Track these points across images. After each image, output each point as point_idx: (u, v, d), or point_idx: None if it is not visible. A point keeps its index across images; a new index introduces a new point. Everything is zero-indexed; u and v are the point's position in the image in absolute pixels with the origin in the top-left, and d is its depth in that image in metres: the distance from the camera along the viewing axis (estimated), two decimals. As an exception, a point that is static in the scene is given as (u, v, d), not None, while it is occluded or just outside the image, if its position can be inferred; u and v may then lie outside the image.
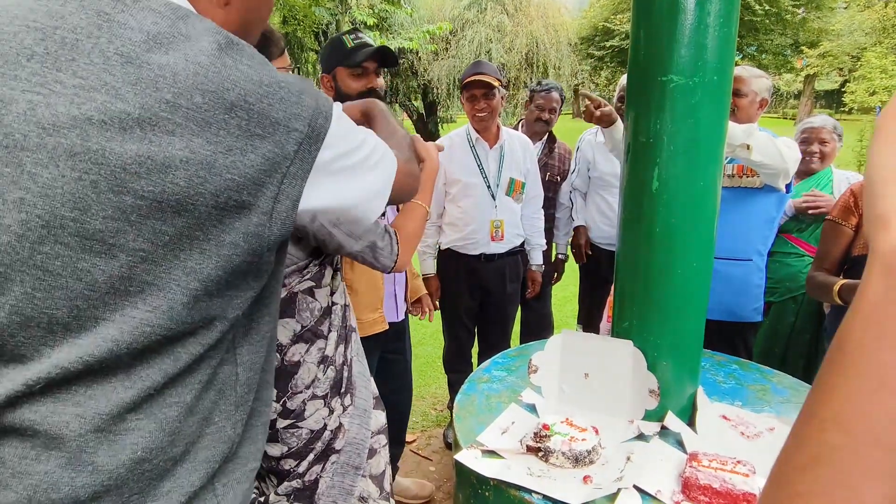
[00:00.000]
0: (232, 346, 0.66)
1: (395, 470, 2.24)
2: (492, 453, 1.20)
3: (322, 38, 14.05)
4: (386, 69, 1.85)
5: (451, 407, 2.97)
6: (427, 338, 3.94)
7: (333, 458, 1.22)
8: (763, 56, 21.53)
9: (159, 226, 0.53)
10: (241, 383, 0.67)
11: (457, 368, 2.78)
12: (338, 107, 0.69)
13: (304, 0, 11.70)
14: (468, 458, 1.18)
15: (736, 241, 2.12)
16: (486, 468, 1.14)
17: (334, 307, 1.25)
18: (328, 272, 1.24)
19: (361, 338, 1.79)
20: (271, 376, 0.80)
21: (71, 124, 0.51)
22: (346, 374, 1.27)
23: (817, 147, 2.46)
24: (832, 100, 27.66)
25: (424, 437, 2.84)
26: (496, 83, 2.42)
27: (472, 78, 2.41)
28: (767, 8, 19.21)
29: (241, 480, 0.69)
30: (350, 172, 0.69)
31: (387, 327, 1.90)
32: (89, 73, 0.52)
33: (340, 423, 1.24)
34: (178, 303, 0.56)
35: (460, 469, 1.20)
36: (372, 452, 1.31)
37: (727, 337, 2.16)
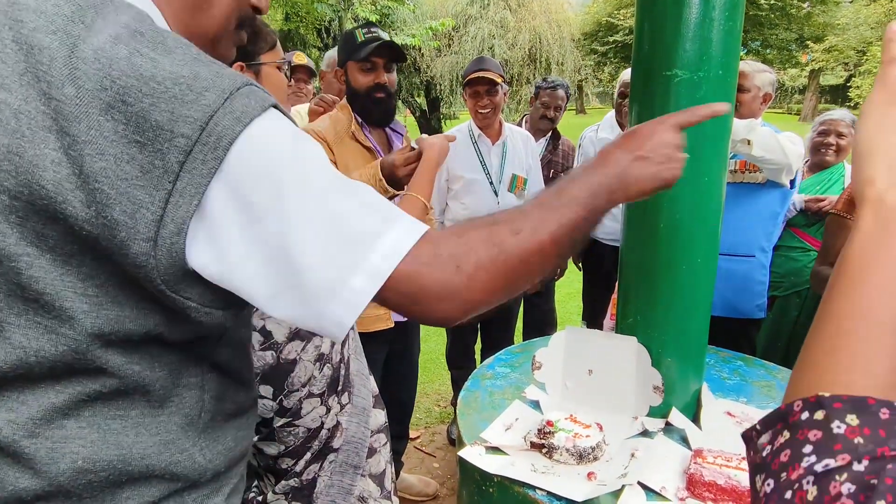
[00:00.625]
0: (198, 372, 0.61)
1: (399, 466, 2.25)
2: (496, 450, 1.20)
3: (325, 35, 14.03)
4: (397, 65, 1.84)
5: (454, 403, 2.98)
6: (431, 334, 3.94)
7: (332, 456, 1.22)
8: (767, 51, 21.42)
9: (39, 229, 0.49)
10: (206, 410, 0.62)
11: (460, 365, 2.79)
12: (278, 120, 0.54)
13: (306, -3, 11.69)
14: (472, 454, 1.18)
15: (739, 237, 2.11)
16: (490, 464, 1.14)
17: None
18: None
19: (366, 334, 1.80)
20: (250, 381, 0.75)
21: None
22: (343, 372, 1.26)
23: (834, 139, 2.44)
24: (837, 95, 27.50)
25: (428, 434, 2.85)
26: (499, 79, 2.41)
27: (475, 74, 2.40)
28: (773, 2, 19.10)
29: (211, 495, 0.65)
30: (276, 210, 0.51)
31: (391, 325, 1.90)
32: None
33: (338, 422, 1.23)
34: (80, 311, 0.51)
35: (464, 465, 1.20)
36: (372, 451, 1.31)
37: (730, 334, 2.15)
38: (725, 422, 1.31)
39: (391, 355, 2.05)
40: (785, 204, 2.20)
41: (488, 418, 1.32)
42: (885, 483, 0.34)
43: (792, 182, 2.10)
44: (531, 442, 1.20)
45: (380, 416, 1.36)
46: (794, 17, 20.66)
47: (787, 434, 0.40)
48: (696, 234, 1.23)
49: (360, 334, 1.81)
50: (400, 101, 15.55)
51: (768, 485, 0.40)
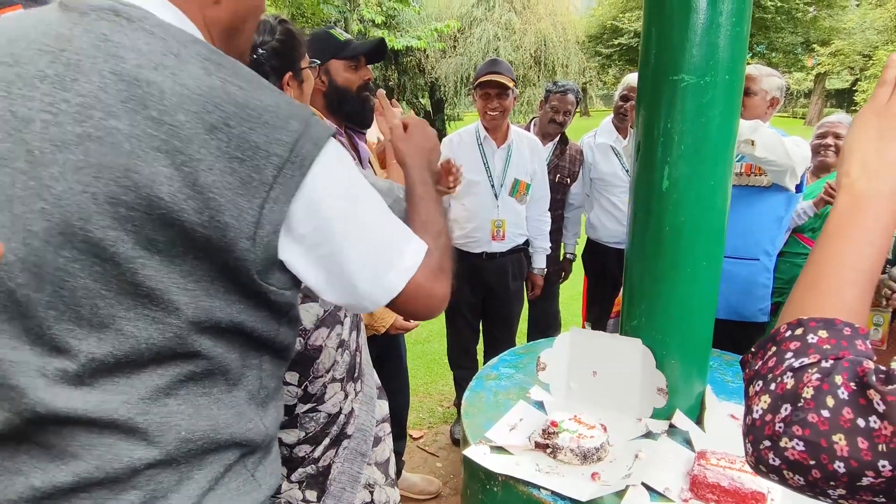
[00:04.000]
0: (257, 355, 0.71)
1: (400, 465, 2.25)
2: (500, 449, 1.21)
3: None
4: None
5: (457, 404, 2.98)
6: (434, 335, 3.95)
7: (345, 443, 1.24)
8: (773, 54, 21.37)
9: (152, 235, 0.57)
10: (264, 386, 0.73)
11: (461, 365, 2.79)
12: (339, 146, 0.67)
13: (312, -3, 11.72)
14: (477, 453, 1.19)
15: (743, 240, 2.11)
16: (495, 464, 1.15)
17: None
18: None
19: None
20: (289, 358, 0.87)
21: (76, 141, 0.56)
22: (358, 359, 1.29)
23: (832, 140, 2.45)
24: (843, 99, 27.41)
25: (431, 434, 2.85)
26: (511, 84, 2.41)
27: (488, 77, 2.40)
28: (778, 5, 19.05)
29: (266, 453, 0.76)
30: (339, 218, 0.66)
31: (381, 332, 1.92)
32: (88, 91, 0.56)
33: (352, 408, 1.26)
34: (182, 303, 0.60)
35: (469, 465, 1.21)
36: (377, 440, 1.33)
37: (733, 337, 2.15)
38: (729, 424, 1.31)
39: (380, 359, 2.07)
40: (790, 208, 2.19)
41: (493, 418, 1.33)
42: (842, 365, 0.47)
43: (798, 187, 2.10)
44: (535, 442, 1.21)
45: (383, 406, 1.38)
46: (800, 21, 20.61)
47: (773, 349, 0.53)
48: (700, 236, 1.24)
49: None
50: (404, 102, 15.58)
51: (758, 385, 0.52)
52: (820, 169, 2.52)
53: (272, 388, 0.76)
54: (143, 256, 0.58)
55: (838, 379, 0.46)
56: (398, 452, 2.21)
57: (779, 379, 0.50)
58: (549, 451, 1.19)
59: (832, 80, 25.38)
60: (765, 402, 0.50)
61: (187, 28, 0.65)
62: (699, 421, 1.31)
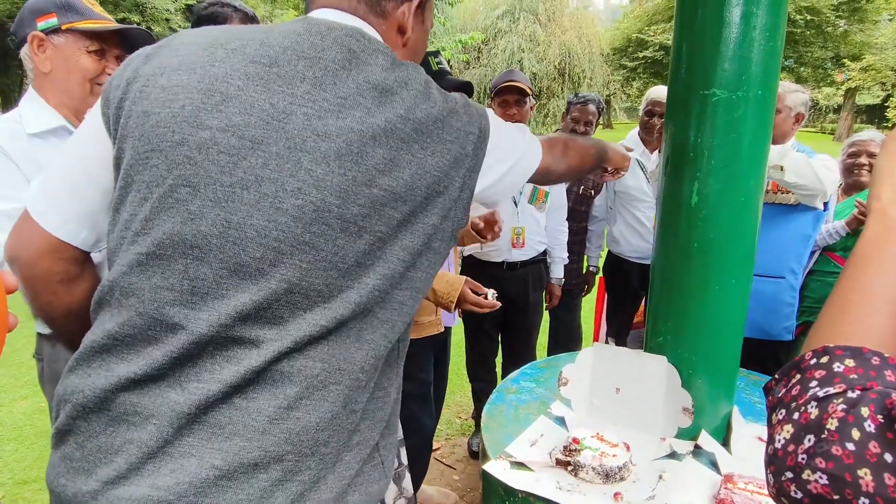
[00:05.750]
0: (396, 334, 0.78)
1: (420, 478, 2.23)
2: (520, 465, 1.19)
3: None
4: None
5: (475, 416, 2.96)
6: (453, 346, 3.92)
7: None
8: (802, 69, 21.04)
9: (391, 212, 0.69)
10: (399, 355, 0.82)
11: (480, 377, 2.77)
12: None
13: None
14: (497, 468, 1.17)
15: (769, 257, 2.07)
16: (515, 480, 1.13)
17: None
18: None
19: (418, 340, 1.84)
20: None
21: (338, 133, 0.66)
22: None
23: (866, 159, 2.40)
24: (874, 115, 26.83)
25: (449, 446, 2.83)
26: (528, 91, 2.42)
27: (507, 83, 2.41)
28: (808, 19, 18.78)
29: (393, 444, 0.82)
30: (504, 157, 0.84)
31: (442, 329, 1.96)
32: (348, 94, 0.68)
33: None
34: (396, 272, 0.71)
35: (488, 480, 1.19)
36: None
37: (756, 355, 2.10)
38: (757, 447, 1.27)
39: (436, 359, 2.09)
40: (817, 226, 2.15)
41: (513, 433, 1.31)
42: (869, 397, 0.45)
43: (826, 204, 2.05)
44: (556, 459, 1.19)
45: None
46: (830, 35, 20.27)
47: (798, 376, 0.52)
48: (730, 254, 1.21)
49: (413, 341, 1.84)
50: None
51: (780, 413, 0.51)
52: (852, 187, 2.46)
53: (400, 364, 0.83)
54: (382, 231, 0.68)
55: (865, 411, 0.44)
56: (423, 463, 2.18)
57: (802, 408, 0.48)
58: (570, 468, 1.17)
59: (863, 95, 24.86)
60: (787, 431, 0.48)
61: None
62: (725, 443, 1.27)
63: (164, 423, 0.64)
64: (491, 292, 1.71)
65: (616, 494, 1.10)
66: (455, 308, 1.68)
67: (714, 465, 1.20)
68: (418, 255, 0.73)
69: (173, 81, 0.67)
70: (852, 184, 2.45)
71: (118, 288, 0.68)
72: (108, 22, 1.38)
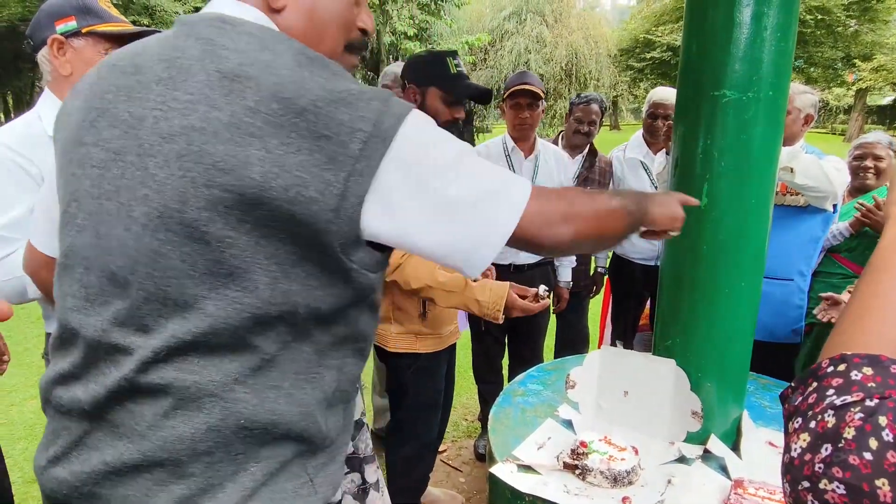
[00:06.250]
0: (338, 355, 0.74)
1: (426, 480, 2.23)
2: (527, 468, 1.19)
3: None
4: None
5: (481, 418, 2.95)
6: (459, 348, 3.92)
7: None
8: (812, 69, 20.88)
9: (241, 216, 0.62)
10: (339, 389, 0.75)
11: (487, 379, 2.76)
12: (421, 116, 0.69)
13: (346, 10, 11.93)
14: (504, 471, 1.17)
15: (778, 259, 2.05)
16: (522, 483, 1.13)
17: None
18: None
19: (439, 351, 1.84)
20: (358, 381, 0.87)
21: (180, 132, 0.62)
22: None
23: (871, 162, 2.38)
24: (885, 115, 26.58)
25: (455, 448, 2.83)
26: (541, 94, 2.42)
27: (520, 87, 2.41)
28: (819, 19, 18.64)
29: (328, 463, 0.77)
30: (425, 184, 0.66)
31: (459, 335, 1.97)
32: (196, 89, 0.63)
33: None
34: (262, 283, 0.64)
35: (495, 482, 1.19)
36: None
37: (765, 358, 2.09)
38: (767, 452, 1.26)
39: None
40: (826, 228, 2.13)
41: (520, 435, 1.30)
42: (887, 406, 0.44)
43: (834, 206, 2.04)
44: (564, 462, 1.19)
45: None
46: (841, 35, 20.10)
47: (814, 384, 0.51)
48: (741, 256, 1.20)
49: (432, 354, 1.83)
50: (434, 114, 15.67)
51: (797, 422, 0.50)
52: (858, 190, 2.44)
53: (345, 392, 0.77)
54: (232, 237, 0.62)
55: (883, 420, 0.44)
56: (428, 465, 2.17)
57: (819, 417, 0.48)
58: (577, 472, 1.16)
59: (874, 95, 24.64)
60: (804, 440, 0.48)
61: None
62: (735, 447, 1.26)
63: (82, 418, 0.69)
64: (542, 288, 1.59)
65: (624, 499, 1.09)
66: (503, 317, 1.59)
67: (724, 469, 1.19)
68: (291, 266, 0.64)
69: (72, 105, 0.73)
70: (858, 186, 2.43)
71: (55, 296, 0.75)
72: (126, 25, 1.38)
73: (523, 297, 1.59)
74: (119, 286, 0.66)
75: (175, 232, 0.63)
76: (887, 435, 0.43)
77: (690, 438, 1.27)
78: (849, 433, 0.44)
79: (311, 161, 0.61)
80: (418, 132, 0.67)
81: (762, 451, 1.26)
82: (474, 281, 1.63)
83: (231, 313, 0.63)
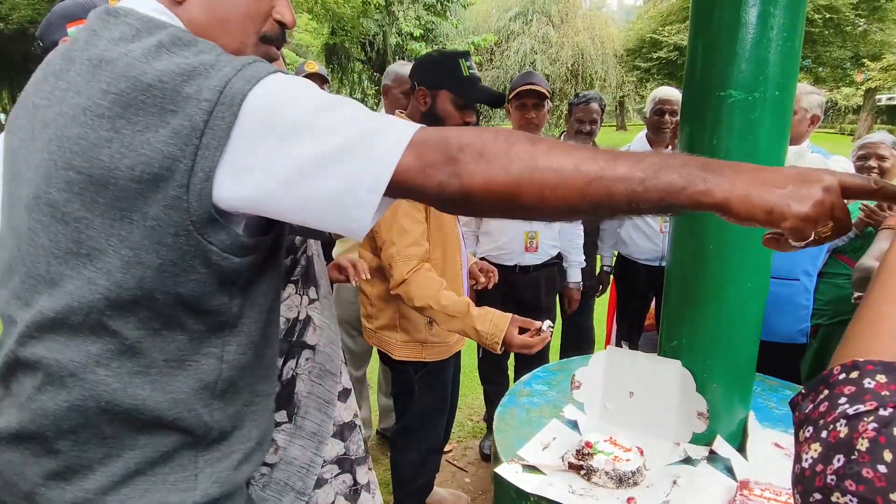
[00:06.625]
0: (219, 342, 0.72)
1: (431, 483, 2.23)
2: (532, 468, 1.19)
3: (369, 49, 14.31)
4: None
5: (487, 419, 2.95)
6: (464, 348, 3.92)
7: (263, 469, 1.20)
8: (820, 69, 20.74)
9: (94, 197, 0.63)
10: (224, 379, 0.74)
11: (492, 380, 2.76)
12: (282, 77, 0.65)
13: (352, 11, 11.97)
14: (508, 471, 1.17)
15: (783, 259, 2.04)
16: (527, 483, 1.13)
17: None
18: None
19: (443, 361, 1.84)
20: (271, 371, 0.86)
21: (53, 119, 0.65)
22: (292, 389, 1.24)
23: (875, 162, 2.37)
24: (894, 115, 26.37)
25: (460, 448, 2.83)
26: (547, 95, 2.42)
27: (526, 87, 2.40)
28: (827, 18, 18.51)
29: (222, 459, 0.76)
30: (279, 146, 0.61)
31: (464, 345, 1.95)
32: (70, 77, 0.66)
33: (273, 438, 1.21)
34: (115, 266, 0.64)
35: (500, 482, 1.19)
36: (320, 482, 1.27)
37: (771, 358, 2.08)
38: (773, 453, 1.26)
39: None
40: None
41: (525, 436, 1.30)
42: None
43: None
44: (569, 462, 1.19)
45: (336, 447, 1.32)
46: (850, 35, 19.94)
47: (826, 392, 0.49)
48: (747, 256, 1.20)
49: (440, 361, 1.82)
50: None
51: (808, 431, 0.48)
52: None
53: (237, 384, 0.76)
54: (88, 218, 0.63)
55: None
56: (434, 465, 2.16)
57: (831, 426, 0.46)
58: (582, 472, 1.16)
59: (882, 95, 24.44)
60: (815, 450, 0.46)
61: (174, 23, 0.71)
62: (741, 448, 1.26)
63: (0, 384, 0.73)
64: (546, 324, 1.53)
65: (629, 499, 1.09)
66: (501, 349, 1.55)
67: (729, 471, 1.18)
68: (144, 252, 0.63)
69: (18, 104, 0.77)
70: None
71: None
72: None
73: (526, 329, 1.55)
74: (18, 262, 0.70)
75: (43, 212, 0.66)
76: None
77: (696, 439, 1.27)
78: (862, 444, 0.43)
79: (156, 138, 0.61)
80: (271, 94, 0.63)
81: (768, 452, 1.26)
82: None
83: (86, 293, 0.65)
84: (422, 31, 12.99)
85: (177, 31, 0.67)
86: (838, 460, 0.44)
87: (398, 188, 0.62)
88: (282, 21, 0.79)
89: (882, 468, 0.42)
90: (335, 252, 2.50)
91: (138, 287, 0.65)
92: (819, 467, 0.45)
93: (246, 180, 0.62)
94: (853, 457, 0.43)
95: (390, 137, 0.62)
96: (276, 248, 0.77)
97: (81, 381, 0.66)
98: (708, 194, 0.59)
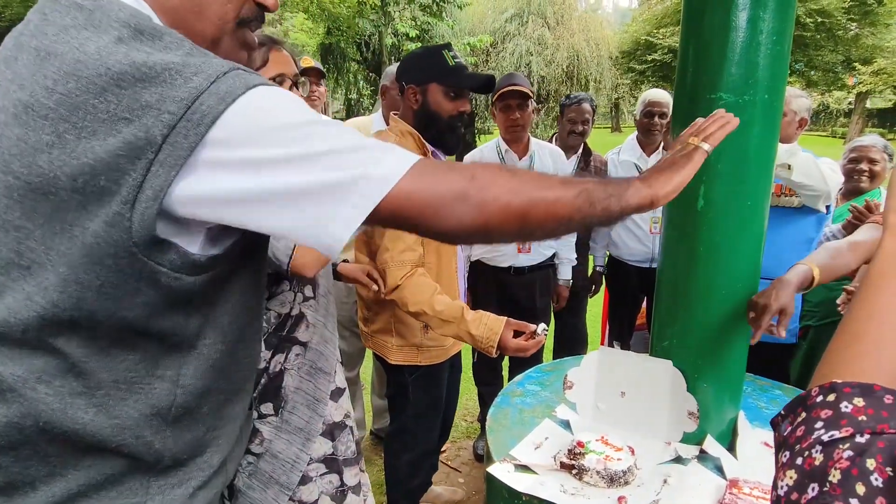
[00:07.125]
0: (173, 364, 0.67)
1: (428, 485, 2.23)
2: (524, 468, 1.19)
3: (364, 49, 14.30)
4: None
5: (481, 419, 2.96)
6: (464, 349, 3.93)
7: (249, 458, 1.20)
8: (812, 72, 20.91)
9: (34, 206, 0.57)
10: (178, 405, 0.68)
11: (487, 381, 2.77)
12: (267, 92, 0.60)
13: (348, 11, 11.96)
14: (501, 471, 1.17)
15: (773, 260, 2.05)
16: (519, 483, 1.13)
17: (267, 313, 1.23)
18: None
19: (439, 364, 1.82)
20: (242, 396, 0.80)
21: None
22: (280, 382, 1.24)
23: (866, 166, 2.39)
24: (886, 119, 26.59)
25: (454, 449, 2.83)
26: (530, 94, 2.42)
27: (508, 88, 2.41)
28: (819, 22, 18.65)
29: (176, 486, 0.71)
30: (261, 169, 0.57)
31: (462, 345, 1.93)
32: (17, 68, 0.58)
33: (258, 429, 1.22)
34: (51, 284, 0.58)
35: (492, 482, 1.20)
36: (306, 479, 1.27)
37: (760, 358, 2.09)
38: (763, 452, 1.27)
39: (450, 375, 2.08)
40: (820, 229, 2.15)
41: (517, 436, 1.31)
42: (877, 446, 0.40)
43: (828, 207, 2.06)
44: (561, 462, 1.20)
45: (325, 446, 1.32)
46: (841, 39, 20.11)
47: (803, 415, 0.47)
48: (737, 257, 1.21)
49: (435, 366, 1.81)
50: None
51: (785, 456, 0.47)
52: (852, 192, 2.45)
53: (196, 411, 0.70)
54: (28, 228, 0.57)
55: (871, 463, 0.40)
56: (431, 466, 2.16)
57: (806, 453, 0.44)
58: (574, 472, 1.17)
59: (874, 99, 24.66)
60: (791, 477, 0.45)
61: (142, 10, 0.63)
62: (731, 448, 1.27)
63: None
64: (541, 327, 1.52)
65: (620, 498, 1.10)
66: (496, 353, 1.54)
67: (719, 470, 1.19)
68: (83, 271, 0.57)
69: None
70: (852, 189, 2.44)
71: None
72: None
73: (521, 332, 1.54)
74: None
75: None
76: (876, 479, 0.39)
77: (687, 439, 1.28)
78: (834, 476, 0.41)
79: (102, 147, 0.55)
80: (251, 114, 0.58)
81: (758, 451, 1.27)
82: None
83: (22, 309, 0.59)
84: (417, 32, 12.98)
85: (139, 18, 0.60)
86: (812, 489, 0.42)
87: (397, 219, 0.63)
88: (264, 4, 0.72)
89: (854, 501, 0.40)
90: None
91: (76, 308, 0.59)
92: (794, 496, 0.44)
93: (205, 204, 0.58)
94: (825, 489, 0.41)
95: (372, 181, 0.60)
96: (247, 265, 0.71)
97: (20, 398, 0.61)
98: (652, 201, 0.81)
